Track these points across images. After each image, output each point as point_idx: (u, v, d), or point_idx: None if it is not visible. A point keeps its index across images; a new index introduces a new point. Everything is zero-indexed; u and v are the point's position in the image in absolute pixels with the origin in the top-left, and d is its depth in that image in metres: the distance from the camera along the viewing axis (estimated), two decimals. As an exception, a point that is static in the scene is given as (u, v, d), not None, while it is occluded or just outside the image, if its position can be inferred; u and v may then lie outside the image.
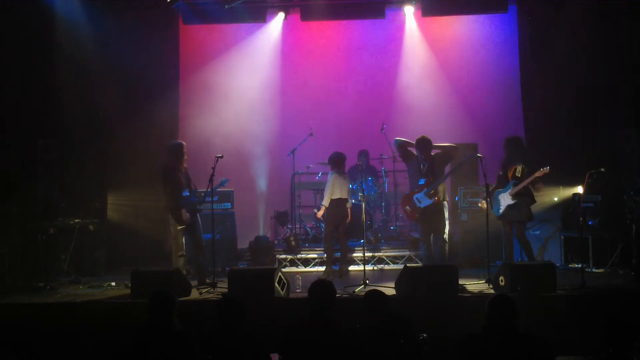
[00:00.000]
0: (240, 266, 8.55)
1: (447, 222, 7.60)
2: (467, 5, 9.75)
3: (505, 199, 7.32)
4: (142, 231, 8.90)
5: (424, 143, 7.43)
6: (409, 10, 10.22)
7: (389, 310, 4.47)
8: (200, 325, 4.82)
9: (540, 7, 9.31)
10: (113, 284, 7.61)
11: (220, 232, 8.45)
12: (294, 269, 8.57)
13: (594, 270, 7.88)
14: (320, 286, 4.49)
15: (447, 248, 7.57)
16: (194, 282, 7.19)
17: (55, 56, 8.75)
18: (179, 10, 9.67)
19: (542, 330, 4.75)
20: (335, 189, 7.98)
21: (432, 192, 7.42)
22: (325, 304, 4.32)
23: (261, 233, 9.82)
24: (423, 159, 7.48)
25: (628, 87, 8.59)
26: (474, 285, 6.97)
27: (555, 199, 8.63)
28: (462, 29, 10.53)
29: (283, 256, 8.88)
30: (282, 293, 6.57)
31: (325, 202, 8.01)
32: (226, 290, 6.72)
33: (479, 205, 7.71)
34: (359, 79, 10.73)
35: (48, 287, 7.47)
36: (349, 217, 8.16)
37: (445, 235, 7.54)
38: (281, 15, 10.32)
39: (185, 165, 7.50)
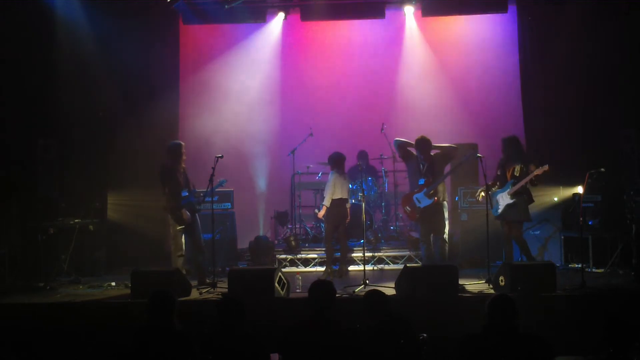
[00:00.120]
0: (240, 266, 8.55)
1: (447, 222, 7.60)
2: (467, 5, 9.74)
3: (504, 199, 7.32)
4: (142, 231, 8.90)
5: (423, 143, 7.43)
6: (409, 10, 10.22)
7: (389, 310, 4.48)
8: (200, 325, 4.82)
9: (540, 7, 9.32)
10: (113, 284, 7.61)
11: (220, 232, 8.45)
12: (294, 269, 8.57)
13: (594, 270, 7.88)
14: (320, 286, 4.49)
15: (447, 248, 7.57)
16: (194, 282, 7.19)
17: (55, 56, 8.75)
18: (179, 10, 9.67)
19: (542, 330, 4.75)
20: (336, 189, 7.99)
21: (432, 192, 7.42)
22: (325, 304, 4.33)
23: (261, 233, 9.82)
24: (423, 159, 7.48)
25: (628, 87, 8.59)
26: (474, 285, 6.97)
27: (555, 199, 8.64)
28: (462, 29, 10.53)
29: (283, 256, 8.88)
30: (282, 293, 6.57)
31: (327, 202, 8.01)
32: (226, 290, 6.72)
33: (477, 198, 7.63)
34: (358, 79, 10.73)
35: (48, 287, 7.47)
36: (349, 217, 8.17)
37: (445, 235, 7.55)
38: (281, 15, 10.32)
39: (184, 165, 7.50)
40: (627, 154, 7.96)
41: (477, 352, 3.83)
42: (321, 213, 8.13)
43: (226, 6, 9.52)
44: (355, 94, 10.66)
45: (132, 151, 9.20)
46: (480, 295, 6.49)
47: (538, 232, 8.45)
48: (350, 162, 8.96)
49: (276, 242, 9.58)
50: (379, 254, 8.83)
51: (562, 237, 8.32)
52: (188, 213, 7.30)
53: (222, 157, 7.31)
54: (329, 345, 4.13)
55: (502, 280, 6.56)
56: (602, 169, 7.04)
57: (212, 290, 6.94)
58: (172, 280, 6.62)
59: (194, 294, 6.83)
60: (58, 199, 8.35)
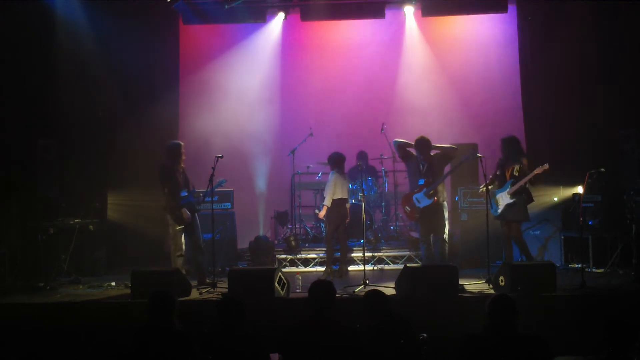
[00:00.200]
0: (240, 266, 8.55)
1: (446, 222, 7.60)
2: (467, 5, 9.73)
3: (504, 199, 7.32)
4: (142, 231, 8.89)
5: (423, 143, 7.43)
6: (409, 10, 10.22)
7: (389, 310, 4.47)
8: (200, 325, 4.81)
9: (540, 7, 9.32)
10: (113, 284, 7.61)
11: (220, 232, 8.45)
12: (294, 269, 8.57)
13: (594, 270, 7.88)
14: (320, 286, 4.49)
15: (447, 248, 7.57)
16: (194, 282, 7.19)
17: (55, 56, 8.75)
18: (179, 10, 9.67)
19: (542, 330, 4.75)
20: (336, 189, 7.99)
21: (432, 192, 7.42)
22: (325, 304, 4.33)
23: (261, 233, 9.82)
24: (422, 159, 7.48)
25: (628, 87, 8.59)
26: (474, 285, 6.97)
27: (555, 199, 8.64)
28: (462, 29, 10.53)
29: (283, 256, 8.88)
30: (282, 293, 6.57)
31: (327, 202, 8.01)
32: (226, 290, 6.72)
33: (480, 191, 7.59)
34: (358, 79, 10.71)
35: (48, 287, 7.47)
36: (349, 218, 8.17)
37: (445, 235, 7.55)
38: (281, 15, 10.32)
39: (183, 165, 7.49)
40: (627, 154, 7.96)
41: (477, 352, 3.83)
42: (322, 213, 8.12)
43: (226, 6, 9.52)
44: (355, 94, 10.65)
45: (132, 151, 9.20)
46: (480, 295, 6.49)
47: (538, 232, 8.44)
48: (350, 162, 8.96)
49: (276, 242, 9.58)
50: (379, 254, 8.83)
51: (562, 237, 8.32)
52: (188, 212, 7.30)
53: (222, 157, 7.30)
54: (329, 345, 4.13)
55: (502, 280, 6.56)
56: (602, 169, 7.04)
57: (212, 290, 6.94)
58: (172, 280, 6.62)
59: (194, 294, 6.83)
60: (58, 199, 8.35)
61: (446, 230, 7.60)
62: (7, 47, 8.20)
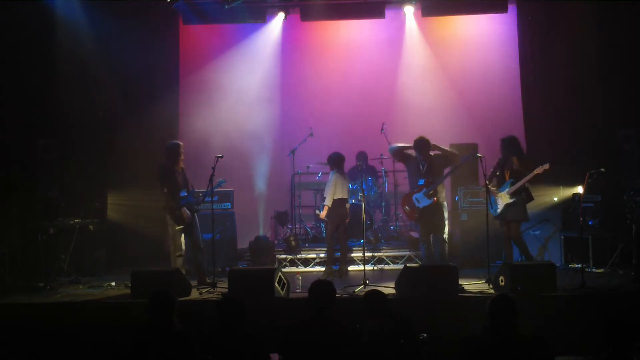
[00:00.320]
0: (240, 266, 8.55)
1: (446, 222, 7.60)
2: (467, 5, 9.72)
3: (503, 199, 7.32)
4: (142, 231, 8.89)
5: (421, 143, 7.43)
6: (409, 10, 10.21)
7: (389, 310, 4.47)
8: (200, 325, 4.82)
9: (540, 7, 9.32)
10: (113, 284, 7.62)
11: (220, 232, 8.44)
12: (294, 269, 8.57)
13: (594, 270, 7.87)
14: (320, 286, 4.49)
15: (447, 248, 7.57)
16: (194, 282, 7.19)
17: (55, 56, 8.75)
18: (179, 10, 9.67)
19: (542, 330, 4.75)
20: (337, 189, 7.99)
21: (432, 192, 7.42)
22: (325, 304, 4.33)
23: (261, 233, 9.81)
24: (422, 159, 7.48)
25: (628, 87, 8.59)
26: (474, 285, 6.97)
27: (555, 199, 8.63)
28: (462, 29, 10.52)
29: (283, 256, 8.88)
30: (282, 293, 6.57)
31: (328, 202, 8.01)
32: (226, 290, 6.72)
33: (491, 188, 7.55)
34: (358, 79, 10.71)
35: (48, 287, 7.47)
36: (348, 217, 8.17)
37: (445, 235, 7.54)
38: (281, 15, 10.31)
39: (182, 165, 7.49)
40: (627, 154, 7.96)
41: (477, 352, 3.83)
42: (323, 214, 8.12)
43: (226, 6, 9.51)
44: (355, 94, 10.64)
45: (132, 151, 9.20)
46: (480, 295, 6.49)
47: (538, 232, 8.44)
48: (350, 162, 8.96)
49: (276, 242, 9.58)
50: (379, 254, 8.83)
51: (562, 237, 8.31)
52: (188, 212, 7.30)
53: (222, 157, 7.31)
54: (329, 345, 4.13)
55: (502, 280, 6.56)
56: (602, 169, 7.04)
57: (212, 290, 6.94)
58: (172, 280, 6.62)
59: (194, 294, 6.83)
60: (58, 199, 8.35)
61: (446, 230, 7.59)
62: (7, 47, 8.21)
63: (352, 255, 8.66)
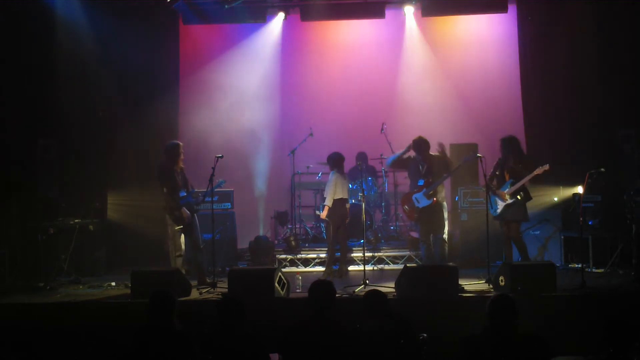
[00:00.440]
0: (240, 266, 8.55)
1: (446, 223, 7.60)
2: (467, 5, 9.72)
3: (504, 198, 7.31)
4: (142, 231, 8.88)
5: (420, 144, 7.45)
6: (409, 10, 10.21)
7: (389, 310, 4.47)
8: (200, 325, 4.82)
9: (540, 7, 9.31)
10: (113, 284, 7.62)
11: (220, 232, 8.44)
12: (294, 269, 8.57)
13: (594, 270, 7.87)
14: (320, 286, 4.49)
15: (447, 248, 7.58)
16: (194, 282, 7.19)
17: (55, 56, 8.74)
18: (179, 10, 9.66)
19: (542, 330, 4.74)
20: (337, 189, 7.99)
21: (431, 192, 7.43)
22: (325, 304, 4.33)
23: (261, 233, 9.81)
24: (421, 159, 7.49)
25: (628, 87, 8.59)
26: (474, 285, 6.97)
27: (555, 199, 8.63)
28: (462, 29, 10.52)
29: (283, 256, 8.88)
30: (282, 293, 6.57)
31: (329, 202, 8.01)
32: (226, 290, 6.72)
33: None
34: (358, 79, 10.71)
35: (48, 287, 7.47)
36: (348, 217, 8.17)
37: (445, 235, 7.55)
38: (281, 15, 10.31)
39: (181, 165, 7.48)
40: (627, 154, 7.96)
41: (477, 352, 3.83)
42: (324, 214, 8.11)
43: (226, 6, 9.51)
44: (355, 94, 10.65)
45: (132, 151, 9.21)
46: (480, 295, 6.49)
47: (538, 232, 8.44)
48: (349, 162, 8.96)
49: (276, 242, 9.58)
50: (379, 254, 8.83)
51: (562, 237, 8.31)
52: (188, 212, 7.30)
53: (222, 157, 7.31)
54: (329, 345, 4.13)
55: (502, 280, 6.56)
56: (602, 169, 7.03)
57: (212, 290, 6.94)
58: (172, 280, 6.62)
59: (194, 294, 6.83)
60: (58, 199, 8.35)
61: (446, 230, 7.60)
62: (7, 47, 8.20)
63: (352, 255, 8.66)
